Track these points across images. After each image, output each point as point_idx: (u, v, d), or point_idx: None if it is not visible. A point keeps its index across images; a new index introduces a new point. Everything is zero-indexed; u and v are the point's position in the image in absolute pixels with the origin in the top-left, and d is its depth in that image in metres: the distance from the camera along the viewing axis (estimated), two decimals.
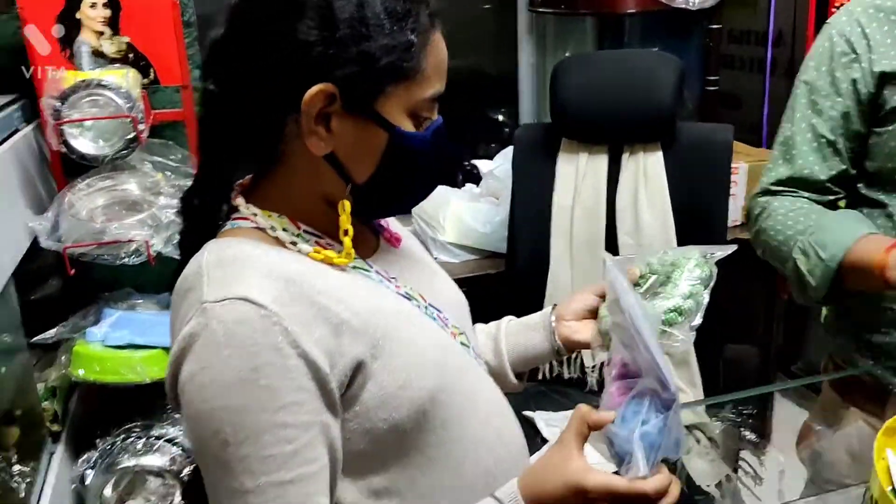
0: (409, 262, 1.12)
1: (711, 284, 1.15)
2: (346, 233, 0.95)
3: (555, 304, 1.24)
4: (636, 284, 1.14)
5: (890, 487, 0.80)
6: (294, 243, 0.95)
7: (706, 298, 1.13)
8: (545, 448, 1.91)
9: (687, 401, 2.14)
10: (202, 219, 1.00)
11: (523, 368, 1.25)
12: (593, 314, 1.19)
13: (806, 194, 1.51)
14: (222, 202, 1.00)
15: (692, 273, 1.13)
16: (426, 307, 1.06)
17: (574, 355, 2.21)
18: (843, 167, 1.49)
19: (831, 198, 1.52)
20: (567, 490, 0.89)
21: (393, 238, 1.12)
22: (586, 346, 1.19)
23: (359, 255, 1.00)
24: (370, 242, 1.08)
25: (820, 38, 1.52)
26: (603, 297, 1.18)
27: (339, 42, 0.86)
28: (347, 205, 0.95)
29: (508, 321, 1.29)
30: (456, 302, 1.16)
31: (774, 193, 1.53)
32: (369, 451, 0.94)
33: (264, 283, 0.86)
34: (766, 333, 2.74)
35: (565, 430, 0.94)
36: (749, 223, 1.61)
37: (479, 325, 1.28)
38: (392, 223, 1.16)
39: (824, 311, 1.82)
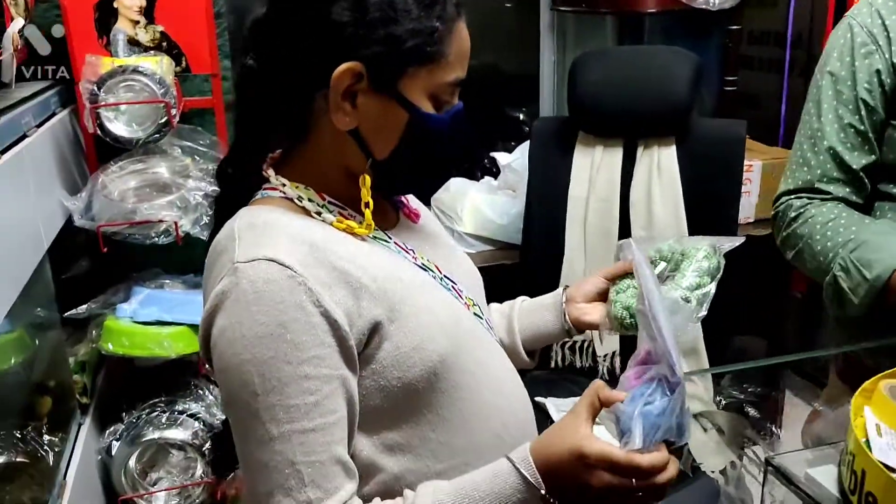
0: (427, 236, 1.18)
1: (718, 276, 1.18)
2: (366, 205, 1.01)
3: (566, 286, 1.29)
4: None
5: (864, 439, 0.84)
6: (319, 213, 1.02)
7: (713, 290, 1.16)
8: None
9: (698, 395, 2.18)
10: (235, 186, 1.07)
11: (535, 347, 1.31)
12: (603, 297, 1.25)
13: (840, 193, 1.49)
14: (254, 172, 1.06)
15: (700, 264, 1.17)
16: (441, 278, 1.11)
17: (586, 344, 2.25)
18: (873, 157, 1.48)
19: (864, 193, 1.51)
20: (570, 455, 0.92)
21: (412, 213, 1.18)
22: (595, 327, 1.24)
23: (379, 227, 1.07)
24: (391, 216, 1.14)
25: (839, 30, 1.52)
26: (612, 279, 1.23)
27: (368, 24, 0.93)
28: (368, 179, 1.01)
29: (522, 301, 1.35)
30: (471, 276, 1.22)
31: (809, 194, 1.52)
32: (383, 408, 1.00)
33: (291, 247, 0.93)
34: (777, 327, 2.76)
35: (579, 401, 0.97)
36: (778, 224, 1.59)
37: (494, 305, 1.34)
38: (412, 200, 1.21)
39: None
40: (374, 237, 1.06)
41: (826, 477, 0.88)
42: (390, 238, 1.09)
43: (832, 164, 1.50)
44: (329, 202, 1.04)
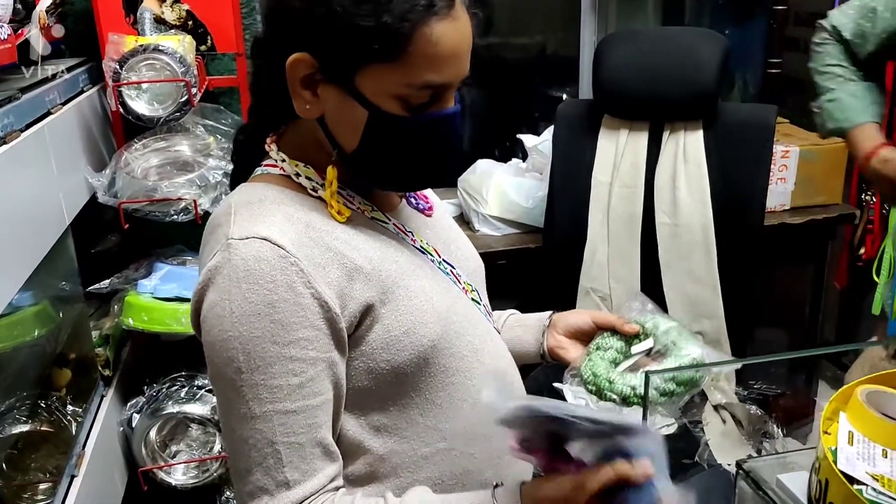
0: (429, 221, 1.17)
1: (695, 391, 1.13)
2: (330, 189, 1.00)
3: (553, 312, 1.28)
4: (635, 337, 1.17)
5: (833, 447, 0.82)
6: (315, 190, 1.02)
7: (681, 401, 1.12)
8: None
9: (719, 387, 2.14)
10: (247, 157, 1.10)
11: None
12: (584, 336, 1.23)
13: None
14: (259, 147, 1.08)
15: (683, 360, 1.13)
16: (440, 262, 1.11)
17: None
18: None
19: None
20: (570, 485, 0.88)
21: (426, 209, 1.18)
22: (566, 363, 1.22)
23: (379, 208, 1.07)
24: (393, 199, 1.14)
25: None
26: (601, 328, 1.21)
27: (320, 16, 0.91)
28: (332, 171, 1.00)
29: (510, 314, 1.34)
30: (472, 262, 1.22)
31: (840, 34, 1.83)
32: (371, 389, 1.00)
33: (286, 226, 0.94)
34: (813, 320, 2.69)
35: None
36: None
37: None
38: (430, 195, 1.22)
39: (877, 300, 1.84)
40: (373, 218, 1.06)
41: (797, 483, 0.85)
42: (389, 219, 1.08)
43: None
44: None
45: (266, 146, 1.06)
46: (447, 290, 1.09)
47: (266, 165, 1.05)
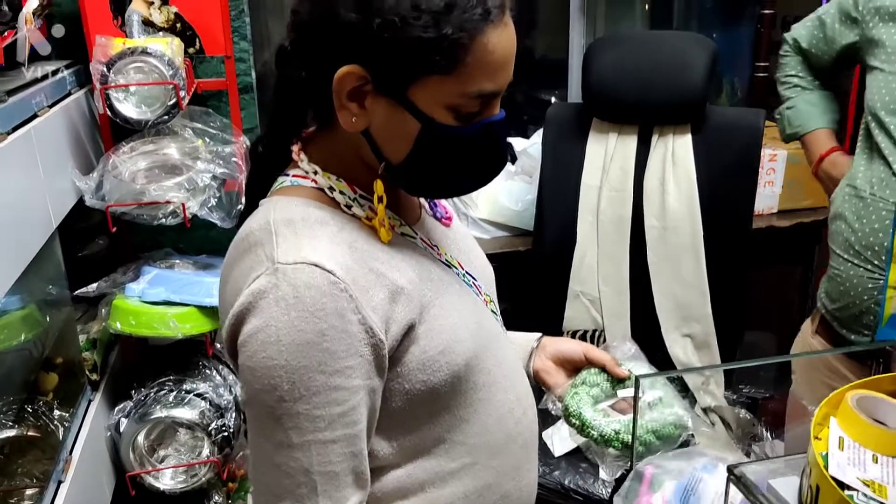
0: (447, 231, 1.15)
1: (671, 447, 1.18)
2: (380, 199, 0.97)
3: (543, 334, 1.28)
4: (620, 381, 1.20)
5: (824, 452, 0.82)
6: (349, 206, 0.98)
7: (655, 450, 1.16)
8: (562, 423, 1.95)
9: (709, 390, 2.15)
10: (266, 164, 1.05)
11: None
12: (570, 365, 1.24)
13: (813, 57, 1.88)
14: (281, 156, 1.04)
15: (667, 418, 1.17)
16: (464, 275, 1.09)
17: (598, 334, 2.24)
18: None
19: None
20: None
21: (444, 219, 1.16)
22: (548, 387, 1.24)
23: (404, 221, 1.05)
24: (416, 210, 1.11)
25: None
26: (592, 363, 1.23)
27: (374, 28, 0.88)
28: (380, 184, 0.97)
29: None
30: (486, 271, 1.20)
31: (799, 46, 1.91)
32: (404, 409, 0.98)
33: (332, 248, 0.90)
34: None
35: None
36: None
37: None
38: (446, 203, 1.19)
39: None
40: (403, 233, 1.04)
41: (788, 488, 0.85)
42: (416, 234, 1.06)
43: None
44: (360, 195, 1.01)
45: (294, 154, 1.03)
46: (474, 304, 1.07)
47: (295, 176, 1.01)
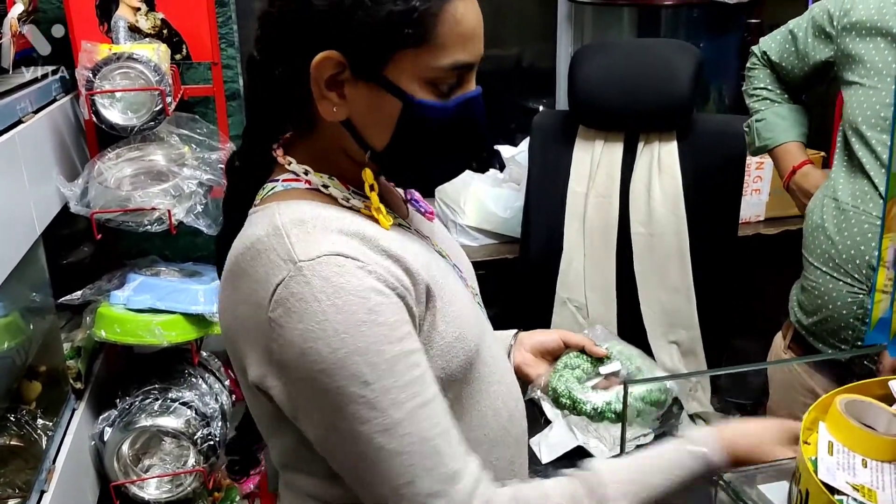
0: (433, 225, 1.16)
1: (660, 411, 1.18)
2: (371, 187, 0.98)
3: (518, 330, 1.28)
4: (599, 360, 1.22)
5: (813, 457, 0.82)
6: (347, 199, 0.98)
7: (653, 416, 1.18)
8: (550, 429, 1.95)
9: (696, 396, 2.15)
10: (246, 179, 1.05)
11: None
12: (550, 355, 1.25)
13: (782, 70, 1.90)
14: (262, 165, 1.04)
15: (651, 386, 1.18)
16: (453, 266, 1.10)
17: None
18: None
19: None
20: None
21: (427, 213, 1.16)
22: (530, 380, 1.24)
23: (397, 214, 1.05)
24: (402, 205, 1.12)
25: None
26: (570, 346, 1.24)
27: (345, 10, 0.89)
28: (369, 173, 0.98)
29: None
30: (469, 266, 1.20)
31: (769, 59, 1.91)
32: None
33: (346, 240, 0.90)
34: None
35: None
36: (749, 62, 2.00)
37: None
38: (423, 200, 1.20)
39: None
40: (399, 223, 1.04)
41: (778, 494, 0.85)
42: (409, 225, 1.07)
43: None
44: (353, 191, 1.00)
45: (280, 159, 1.02)
46: (468, 295, 1.08)
47: (286, 180, 1.00)
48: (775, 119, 1.91)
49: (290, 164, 1.00)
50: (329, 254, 0.87)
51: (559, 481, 0.95)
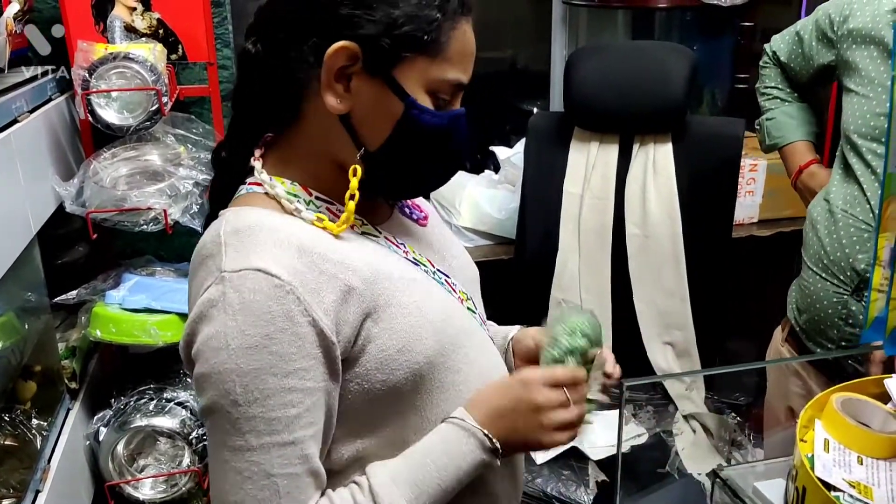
0: (423, 231, 1.16)
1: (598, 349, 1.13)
2: (352, 197, 0.98)
3: (516, 332, 1.26)
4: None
5: (810, 454, 0.82)
6: (298, 210, 0.98)
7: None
8: None
9: (689, 396, 2.16)
10: (229, 172, 1.06)
11: None
12: (535, 356, 1.19)
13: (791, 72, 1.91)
14: (247, 158, 1.05)
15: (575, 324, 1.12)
16: (434, 272, 1.09)
17: None
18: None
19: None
20: (514, 381, 1.02)
21: (420, 219, 1.16)
22: None
23: (370, 221, 1.05)
24: (382, 211, 1.11)
25: None
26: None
27: (365, 4, 0.91)
28: (359, 169, 0.98)
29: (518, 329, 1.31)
30: (467, 270, 1.20)
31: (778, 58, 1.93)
32: (366, 410, 0.98)
33: (278, 253, 0.91)
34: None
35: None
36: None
37: None
38: (423, 203, 1.20)
39: None
40: (364, 232, 1.04)
41: (774, 491, 0.85)
42: (380, 233, 1.06)
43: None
44: (316, 197, 1.01)
45: (253, 160, 1.03)
46: (443, 301, 1.06)
47: (251, 184, 1.02)
48: (784, 118, 1.93)
49: (256, 168, 1.02)
50: (252, 269, 0.89)
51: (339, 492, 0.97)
